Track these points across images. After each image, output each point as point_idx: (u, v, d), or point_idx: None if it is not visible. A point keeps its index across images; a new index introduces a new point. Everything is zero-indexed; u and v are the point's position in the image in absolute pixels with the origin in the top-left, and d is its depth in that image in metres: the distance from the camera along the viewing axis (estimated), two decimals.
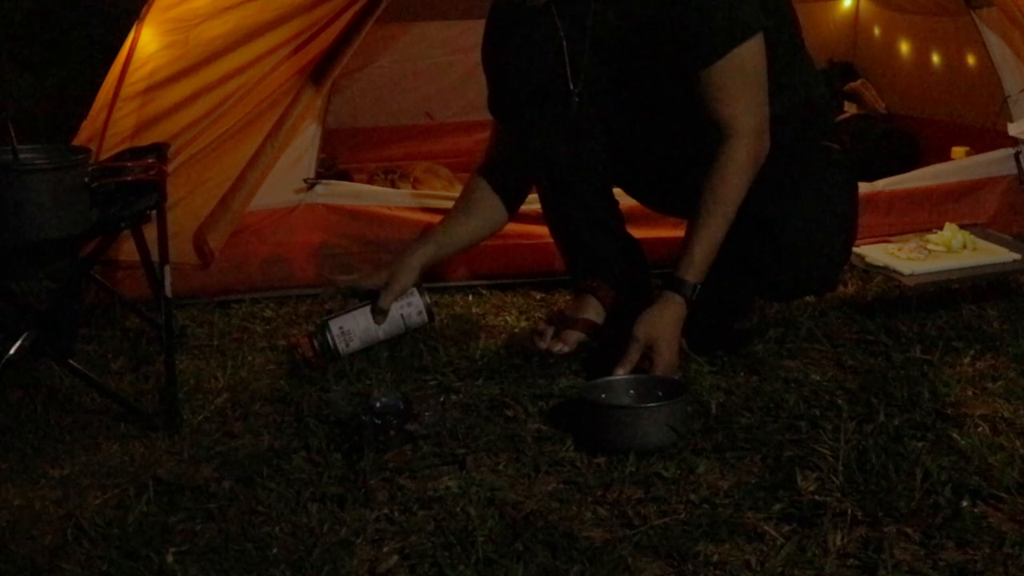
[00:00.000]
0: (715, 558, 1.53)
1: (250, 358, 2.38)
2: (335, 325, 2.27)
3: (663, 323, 2.11)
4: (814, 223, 2.16)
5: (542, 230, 2.52)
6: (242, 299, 2.80)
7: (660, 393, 1.98)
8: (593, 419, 1.92)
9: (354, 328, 2.28)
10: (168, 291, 2.19)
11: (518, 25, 2.30)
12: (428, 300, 2.35)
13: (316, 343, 2.26)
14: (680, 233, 2.35)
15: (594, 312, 2.38)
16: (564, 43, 2.25)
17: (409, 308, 2.33)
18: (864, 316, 2.47)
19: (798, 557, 1.51)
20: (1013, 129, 2.98)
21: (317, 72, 2.78)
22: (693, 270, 2.12)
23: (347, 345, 2.26)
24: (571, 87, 2.27)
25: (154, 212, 2.18)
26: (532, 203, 2.63)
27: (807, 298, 2.60)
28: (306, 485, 1.78)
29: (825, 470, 1.73)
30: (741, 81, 2.12)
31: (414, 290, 2.34)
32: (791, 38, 2.29)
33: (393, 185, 3.36)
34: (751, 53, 2.12)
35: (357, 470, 1.81)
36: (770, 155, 2.20)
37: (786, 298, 2.47)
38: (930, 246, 2.62)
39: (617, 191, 2.46)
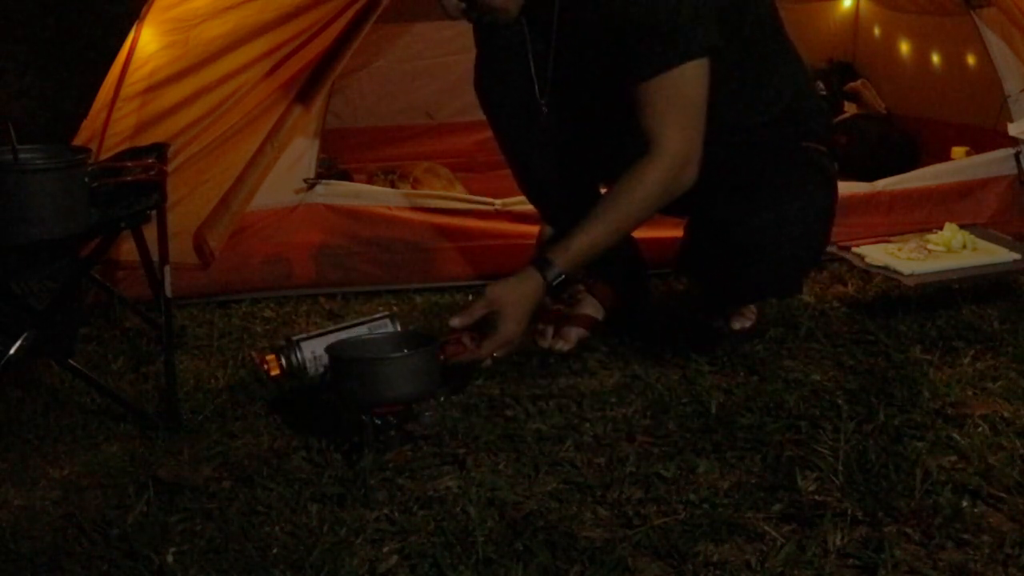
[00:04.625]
0: (715, 558, 1.53)
1: (250, 358, 2.38)
2: (307, 348, 2.25)
3: (515, 294, 2.05)
4: (774, 226, 2.11)
5: None
6: (242, 299, 2.80)
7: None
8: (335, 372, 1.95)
9: (325, 354, 2.26)
10: (168, 291, 2.19)
11: (488, 38, 2.31)
12: (399, 328, 2.35)
13: (284, 362, 2.25)
14: (677, 232, 2.36)
15: (593, 309, 2.39)
16: (530, 54, 2.25)
17: None
18: (864, 316, 2.47)
19: (798, 557, 1.51)
20: (1013, 129, 2.98)
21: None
22: (564, 257, 2.07)
23: (316, 369, 2.25)
24: (539, 97, 2.27)
25: (154, 212, 2.18)
26: (529, 203, 2.64)
27: (807, 298, 2.60)
28: (306, 485, 1.78)
29: (825, 470, 1.73)
30: (674, 102, 2.07)
31: (387, 321, 2.34)
32: (773, 43, 2.25)
33: (393, 185, 3.36)
34: (689, 77, 2.06)
35: (357, 470, 1.81)
36: (745, 157, 2.17)
37: (747, 300, 2.43)
38: (930, 246, 2.62)
39: None
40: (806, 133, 2.30)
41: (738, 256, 2.13)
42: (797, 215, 2.14)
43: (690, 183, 2.10)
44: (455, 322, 2.02)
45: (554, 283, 2.06)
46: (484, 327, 2.02)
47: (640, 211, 2.10)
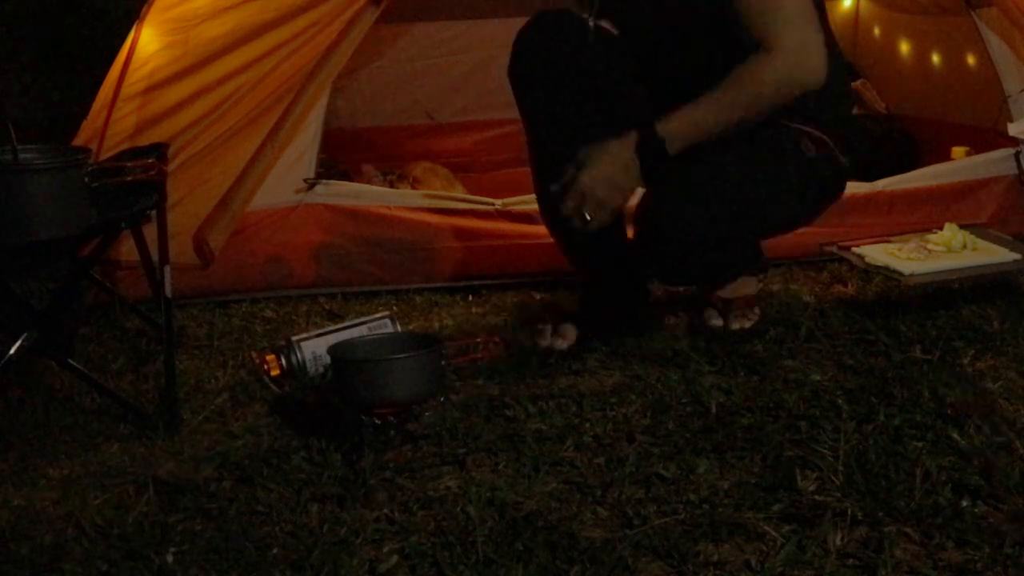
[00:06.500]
0: (715, 558, 1.53)
1: (250, 358, 2.38)
2: (307, 348, 2.25)
3: (603, 145, 2.04)
4: (686, 205, 2.08)
5: (542, 230, 2.51)
6: (242, 299, 2.80)
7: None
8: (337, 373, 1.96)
9: (325, 354, 2.26)
10: (168, 291, 2.19)
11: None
12: (399, 328, 2.35)
13: (284, 362, 2.25)
14: None
15: None
16: None
17: None
18: (864, 316, 2.46)
19: (798, 557, 1.51)
20: (1013, 129, 2.98)
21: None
22: (663, 122, 2.04)
23: (316, 369, 2.25)
24: (589, 14, 2.21)
25: (154, 212, 2.18)
26: (531, 203, 2.64)
27: (807, 298, 2.60)
28: (306, 485, 1.78)
29: (825, 470, 1.73)
30: (782, 2, 2.01)
31: (387, 321, 2.34)
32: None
33: (392, 185, 3.36)
34: None
35: (357, 470, 1.81)
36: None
37: (666, 279, 2.38)
38: (930, 246, 2.62)
39: None
40: (804, 114, 2.20)
41: (648, 231, 2.11)
42: (719, 194, 2.11)
43: (811, 84, 2.03)
44: (553, 187, 2.03)
45: (647, 141, 2.03)
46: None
47: (749, 101, 2.04)
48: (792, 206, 2.26)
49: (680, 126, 2.05)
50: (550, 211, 2.39)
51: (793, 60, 2.03)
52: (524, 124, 2.33)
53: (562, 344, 2.30)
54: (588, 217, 2.07)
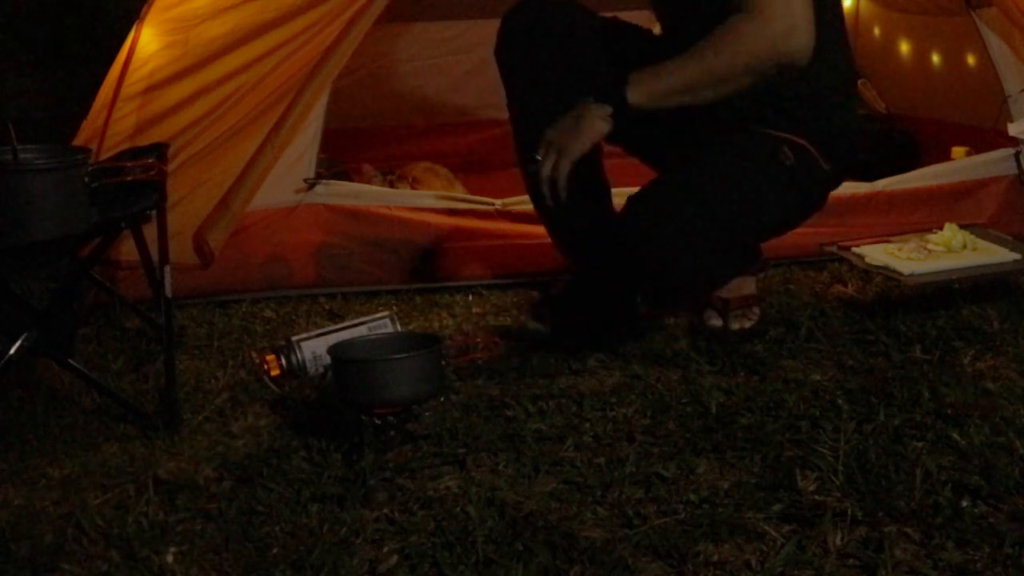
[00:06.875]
0: (715, 558, 1.53)
1: (250, 358, 2.38)
2: (307, 348, 2.25)
3: (576, 110, 2.03)
4: (657, 209, 2.08)
5: (542, 230, 2.52)
6: (242, 299, 2.80)
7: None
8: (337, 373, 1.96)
9: (325, 354, 2.26)
10: (168, 291, 2.19)
11: None
12: (399, 328, 2.35)
13: (284, 362, 2.25)
14: None
15: None
16: None
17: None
18: (864, 316, 2.46)
19: (798, 557, 1.51)
20: (1013, 129, 2.98)
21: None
22: (633, 77, 2.00)
23: (316, 369, 2.25)
24: None
25: (154, 212, 2.18)
26: (530, 203, 2.63)
27: (807, 298, 2.60)
28: (306, 485, 1.78)
29: (825, 470, 1.73)
30: None
31: (387, 321, 2.34)
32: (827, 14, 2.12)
33: (392, 185, 3.36)
34: None
35: (357, 470, 1.81)
36: (690, 129, 2.09)
37: (644, 283, 2.35)
38: (930, 246, 2.62)
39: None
40: (787, 120, 2.18)
41: (622, 232, 2.12)
42: (691, 201, 2.11)
43: (794, 56, 1.94)
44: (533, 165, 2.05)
45: (609, 95, 1.99)
46: None
47: (722, 63, 1.96)
48: (768, 213, 2.25)
49: (645, 75, 2.00)
50: (543, 208, 2.41)
51: (776, 24, 1.93)
52: (509, 108, 2.33)
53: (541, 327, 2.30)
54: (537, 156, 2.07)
